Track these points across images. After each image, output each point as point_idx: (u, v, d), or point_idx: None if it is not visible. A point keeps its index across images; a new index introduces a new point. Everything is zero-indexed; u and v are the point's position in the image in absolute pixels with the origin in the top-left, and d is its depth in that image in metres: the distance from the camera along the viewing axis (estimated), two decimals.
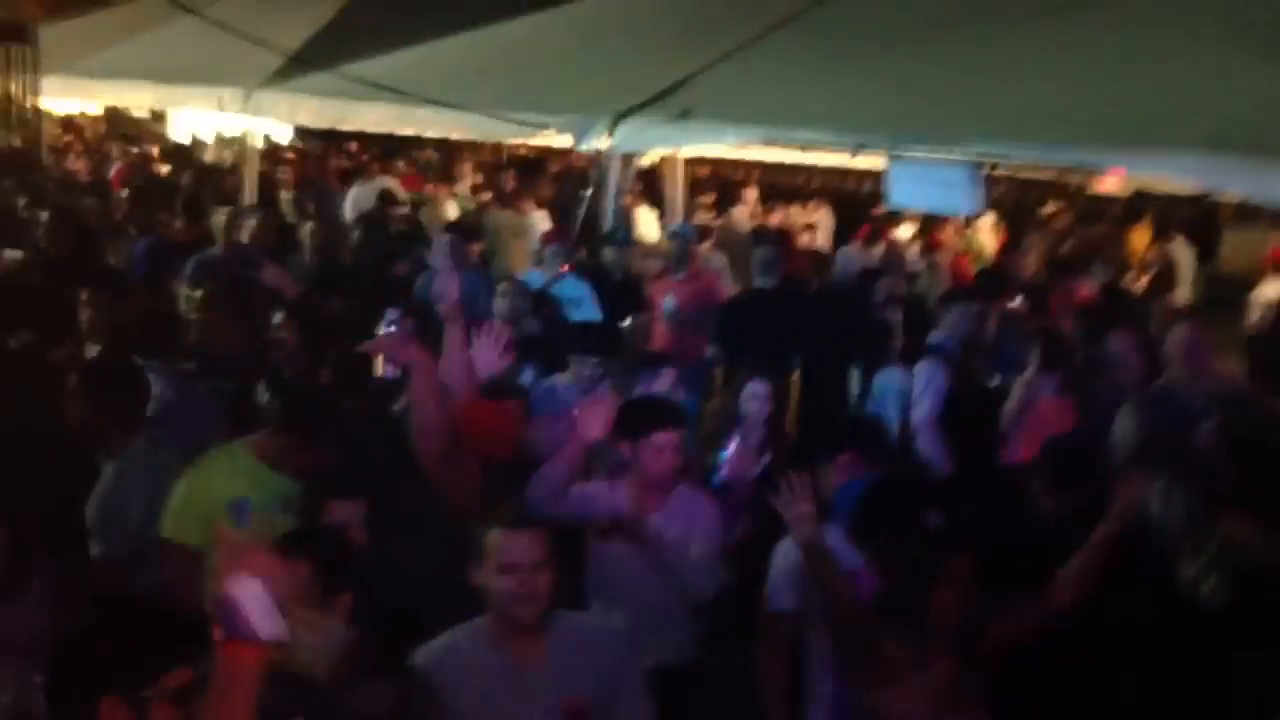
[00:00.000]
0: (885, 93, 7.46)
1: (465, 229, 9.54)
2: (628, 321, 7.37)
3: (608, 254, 8.56)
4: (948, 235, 11.23)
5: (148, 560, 4.12)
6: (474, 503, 3.87)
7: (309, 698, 2.79)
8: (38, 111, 10.53)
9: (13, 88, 10.19)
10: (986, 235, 12.06)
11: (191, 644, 2.86)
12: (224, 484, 4.10)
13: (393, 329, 5.60)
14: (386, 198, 11.06)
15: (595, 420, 4.19)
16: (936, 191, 7.02)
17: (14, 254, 7.39)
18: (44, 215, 7.93)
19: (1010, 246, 11.48)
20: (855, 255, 10.69)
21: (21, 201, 8.65)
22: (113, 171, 13.20)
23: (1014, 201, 13.71)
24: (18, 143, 10.08)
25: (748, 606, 4.30)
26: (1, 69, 10.21)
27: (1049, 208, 13.77)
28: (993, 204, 10.68)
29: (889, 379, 6.70)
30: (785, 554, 4.12)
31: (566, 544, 3.53)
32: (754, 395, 5.76)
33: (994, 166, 7.18)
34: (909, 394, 6.51)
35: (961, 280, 9.84)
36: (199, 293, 6.36)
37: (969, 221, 11.55)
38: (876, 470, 4.42)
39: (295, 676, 2.80)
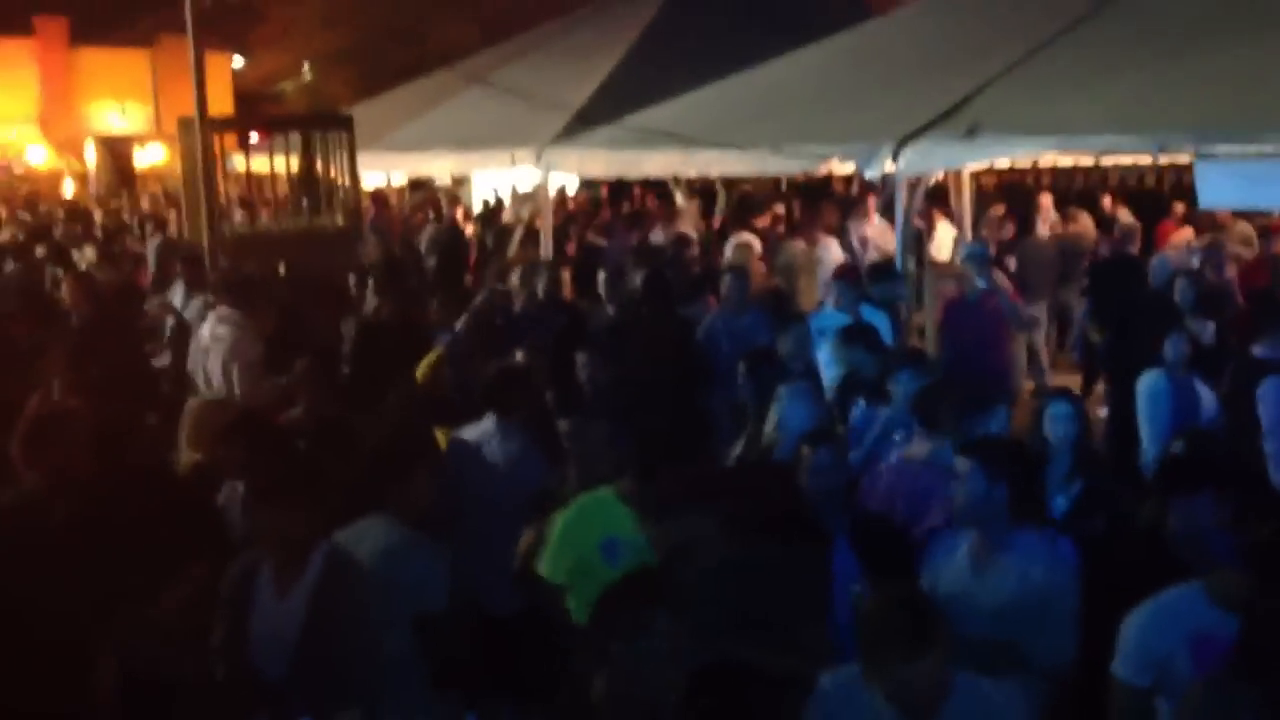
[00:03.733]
0: (1183, 90, 7.18)
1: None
2: None
3: (875, 292, 8.04)
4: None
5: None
6: None
7: None
8: (358, 190, 11.32)
9: (333, 171, 11.01)
10: None
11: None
12: (595, 526, 4.49)
13: None
14: (682, 241, 11.29)
15: None
16: (1248, 187, 6.69)
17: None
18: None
19: None
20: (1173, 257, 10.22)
21: (353, 279, 9.18)
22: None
23: None
24: (340, 222, 10.85)
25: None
26: (323, 155, 11.05)
27: None
28: None
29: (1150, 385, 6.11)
30: (1144, 624, 3.45)
31: None
32: (1057, 417, 5.01)
33: None
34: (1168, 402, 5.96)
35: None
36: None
37: None
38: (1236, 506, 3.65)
39: None
